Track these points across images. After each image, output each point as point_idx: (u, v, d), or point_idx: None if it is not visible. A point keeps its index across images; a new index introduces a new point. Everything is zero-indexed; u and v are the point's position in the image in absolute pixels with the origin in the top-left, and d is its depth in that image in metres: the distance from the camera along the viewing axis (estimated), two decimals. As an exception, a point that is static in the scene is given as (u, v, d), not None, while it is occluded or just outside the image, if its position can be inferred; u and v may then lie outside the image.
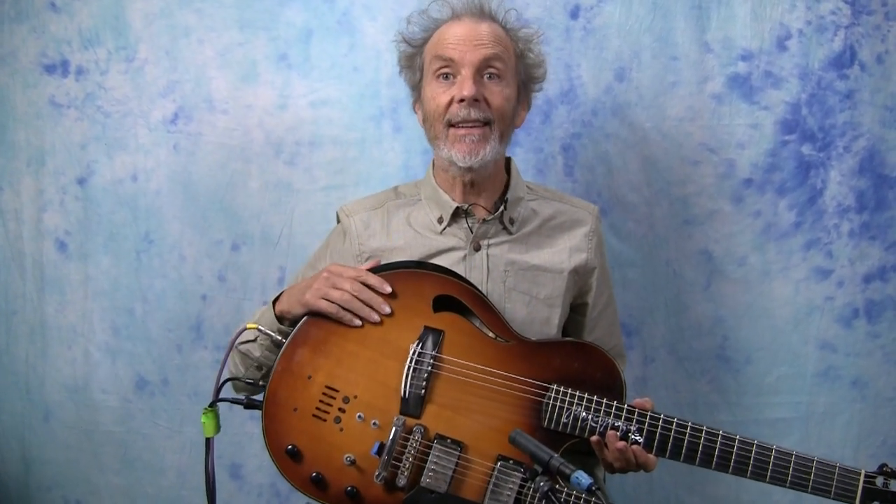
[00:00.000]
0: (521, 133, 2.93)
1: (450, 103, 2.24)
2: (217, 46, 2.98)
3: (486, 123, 2.25)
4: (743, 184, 2.93)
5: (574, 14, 2.92)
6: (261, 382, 2.18)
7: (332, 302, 2.13)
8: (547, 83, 2.88)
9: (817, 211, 2.93)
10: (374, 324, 2.13)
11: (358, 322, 2.13)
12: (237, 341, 2.24)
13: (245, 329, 2.19)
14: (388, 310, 2.14)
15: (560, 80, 2.94)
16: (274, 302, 2.26)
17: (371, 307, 2.13)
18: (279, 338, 2.17)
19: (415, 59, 2.37)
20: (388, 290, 2.14)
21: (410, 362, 2.12)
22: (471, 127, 2.24)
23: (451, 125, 2.26)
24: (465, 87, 2.21)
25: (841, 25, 2.88)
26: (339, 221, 2.49)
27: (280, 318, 2.22)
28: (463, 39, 2.25)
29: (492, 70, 2.26)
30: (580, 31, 2.92)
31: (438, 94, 2.27)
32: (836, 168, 2.92)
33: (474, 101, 2.22)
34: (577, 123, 2.95)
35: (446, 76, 2.27)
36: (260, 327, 2.19)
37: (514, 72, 2.32)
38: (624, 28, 2.91)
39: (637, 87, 2.93)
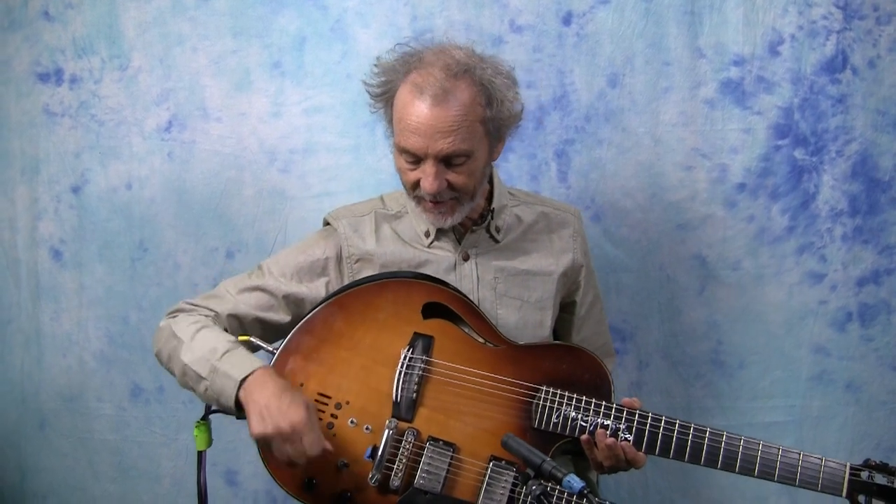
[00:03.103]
0: (514, 139, 2.90)
1: (417, 182, 2.20)
2: (211, 54, 2.99)
3: (454, 198, 2.22)
4: (736, 188, 2.94)
5: (567, 20, 2.92)
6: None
7: (270, 448, 2.02)
8: (540, 89, 2.93)
9: (810, 215, 2.94)
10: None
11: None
12: (186, 353, 2.15)
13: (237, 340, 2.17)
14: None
15: (553, 86, 2.94)
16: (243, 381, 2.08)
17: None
18: (270, 349, 2.18)
19: (383, 108, 2.28)
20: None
21: (401, 367, 2.13)
22: (438, 203, 2.22)
23: (420, 199, 2.24)
24: (427, 184, 2.15)
25: (833, 30, 2.89)
26: (325, 226, 2.45)
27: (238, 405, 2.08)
28: (423, 129, 2.12)
29: (455, 160, 2.16)
30: (573, 38, 2.93)
31: (405, 171, 2.22)
32: (829, 172, 2.93)
33: (439, 191, 2.18)
34: (570, 129, 2.96)
35: (411, 158, 2.19)
36: (253, 338, 2.19)
37: (482, 139, 2.20)
38: (616, 34, 2.92)
39: (630, 93, 2.94)
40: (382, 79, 2.23)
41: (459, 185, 2.19)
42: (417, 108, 2.13)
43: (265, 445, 2.03)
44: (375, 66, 2.26)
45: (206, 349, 2.12)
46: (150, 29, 2.98)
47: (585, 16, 2.92)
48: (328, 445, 2.02)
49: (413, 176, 2.20)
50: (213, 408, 2.16)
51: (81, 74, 3.01)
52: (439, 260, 2.34)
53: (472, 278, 2.33)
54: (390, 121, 2.26)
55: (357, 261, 2.34)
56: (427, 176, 2.16)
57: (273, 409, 1.99)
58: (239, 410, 2.07)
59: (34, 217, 3.05)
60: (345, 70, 2.97)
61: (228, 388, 2.06)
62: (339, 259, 2.36)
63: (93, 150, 3.02)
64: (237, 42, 2.98)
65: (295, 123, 3.00)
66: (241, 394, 2.04)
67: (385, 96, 2.24)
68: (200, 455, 2.12)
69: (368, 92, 2.28)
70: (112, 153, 3.02)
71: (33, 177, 3.04)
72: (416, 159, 2.17)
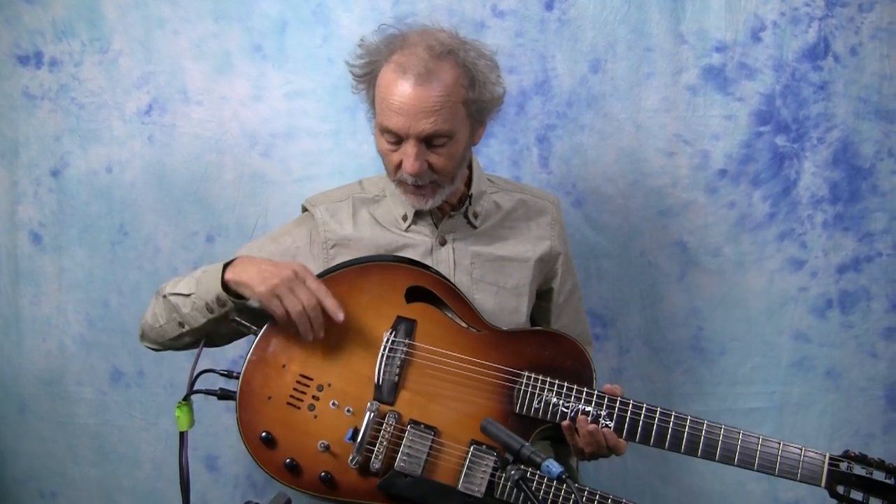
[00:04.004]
0: (495, 125, 2.89)
1: (399, 165, 2.20)
2: (192, 38, 2.97)
3: (434, 181, 2.23)
4: (717, 175, 2.94)
5: (549, 5, 2.92)
6: (235, 374, 2.17)
7: (283, 305, 2.07)
8: (522, 74, 2.92)
9: (791, 202, 2.94)
10: (310, 341, 2.11)
11: (293, 331, 2.11)
12: (167, 290, 2.22)
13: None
14: (322, 335, 2.10)
15: (535, 71, 2.94)
16: (226, 265, 2.16)
17: (312, 328, 2.09)
18: (254, 329, 2.17)
19: (365, 91, 2.27)
20: (341, 317, 2.09)
21: (384, 350, 2.13)
22: (420, 186, 2.23)
23: (402, 182, 2.24)
24: (409, 164, 2.16)
25: (815, 17, 2.89)
26: (303, 212, 2.47)
27: (225, 284, 2.12)
28: (406, 109, 2.13)
29: (436, 141, 2.17)
30: (555, 23, 2.92)
31: (387, 151, 2.22)
32: (810, 159, 2.93)
33: (420, 173, 2.19)
34: (551, 115, 2.95)
35: (393, 139, 2.20)
36: (237, 318, 2.18)
37: (463, 121, 2.21)
38: (599, 19, 2.92)
39: (612, 79, 2.94)
40: (366, 59, 2.23)
41: (440, 167, 2.19)
42: (400, 88, 2.13)
43: (273, 321, 2.10)
44: (359, 46, 2.26)
45: (186, 278, 2.20)
46: (130, 12, 2.97)
47: (568, 1, 2.91)
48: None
49: (395, 157, 2.20)
50: (196, 378, 2.12)
51: (61, 57, 2.99)
52: (416, 244, 2.34)
53: (448, 263, 2.33)
54: (372, 102, 2.25)
55: (333, 246, 2.34)
56: (408, 157, 2.16)
57: (270, 266, 2.10)
58: (232, 297, 2.11)
59: (13, 201, 3.04)
60: (326, 54, 2.96)
61: (214, 277, 2.12)
62: (310, 246, 2.36)
63: (73, 133, 3.01)
64: (218, 25, 2.97)
65: (276, 107, 2.99)
66: (229, 274, 2.11)
67: (368, 77, 2.24)
68: (182, 435, 2.11)
69: (351, 73, 2.28)
70: (92, 136, 3.01)
71: (13, 160, 3.03)
72: (398, 140, 2.18)
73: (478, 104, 2.22)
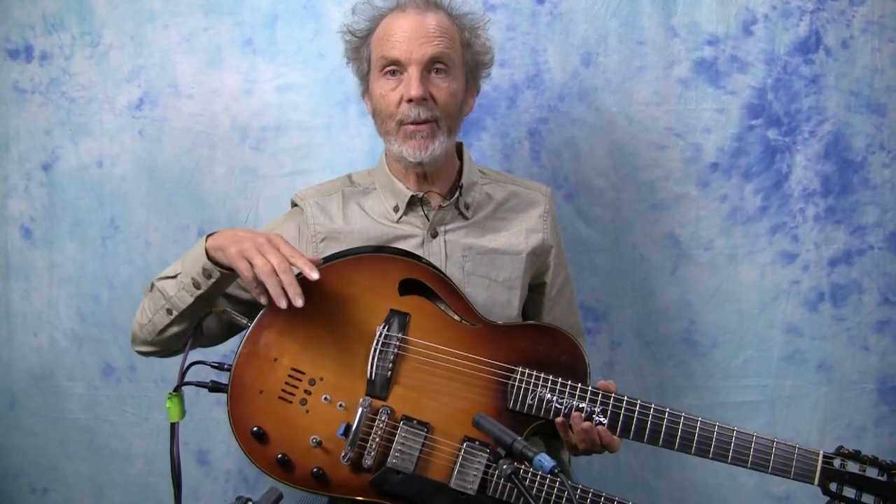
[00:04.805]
0: (487, 118, 2.93)
1: (399, 102, 2.24)
2: (182, 31, 2.97)
3: (434, 120, 2.26)
4: (709, 168, 2.94)
5: (540, -1, 2.92)
6: (226, 366, 2.17)
7: (252, 267, 2.00)
8: (513, 68, 2.91)
9: (783, 195, 2.95)
10: (281, 309, 2.00)
11: (263, 300, 2.05)
12: (156, 278, 2.23)
13: (210, 313, 2.19)
14: (300, 303, 1.98)
15: (526, 64, 2.94)
16: (209, 237, 2.15)
17: (284, 291, 1.98)
18: (245, 321, 2.16)
19: (361, 51, 2.36)
20: (316, 276, 1.99)
21: (377, 344, 2.12)
22: (420, 125, 2.25)
23: (401, 123, 2.26)
24: (413, 88, 2.21)
25: (806, 10, 2.89)
26: (293, 207, 2.47)
27: (208, 254, 2.11)
28: (408, 36, 2.23)
29: (438, 66, 2.25)
30: (546, 16, 2.92)
31: (387, 92, 2.26)
32: (802, 152, 2.94)
33: (422, 99, 2.22)
34: (543, 108, 2.95)
35: (393, 72, 2.26)
36: (227, 309, 2.19)
37: (460, 62, 2.31)
38: (590, 12, 2.91)
39: (604, 72, 2.94)
40: (364, 18, 2.34)
41: (441, 101, 2.25)
42: (401, 20, 2.26)
43: (247, 284, 2.06)
44: (354, 12, 2.36)
45: (172, 264, 2.22)
46: (121, 5, 2.96)
47: (559, -6, 2.92)
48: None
49: (395, 95, 2.26)
50: (187, 369, 2.12)
51: (52, 51, 2.98)
52: (407, 236, 2.34)
53: (440, 255, 2.33)
54: (367, 61, 2.34)
55: (323, 239, 2.34)
56: (411, 79, 2.23)
57: (245, 232, 2.09)
58: (218, 268, 2.11)
59: (4, 195, 3.03)
60: (317, 48, 2.95)
61: (198, 248, 2.13)
62: (299, 240, 2.37)
63: (63, 127, 3.00)
64: (209, 19, 2.96)
65: (267, 101, 2.98)
66: (210, 242, 2.11)
67: (366, 35, 2.33)
68: (173, 427, 2.11)
69: (350, 32, 2.37)
70: (83, 130, 3.00)
71: (3, 154, 3.01)
72: (399, 73, 2.25)
73: (471, 50, 2.34)
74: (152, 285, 2.24)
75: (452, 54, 2.27)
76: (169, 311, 2.19)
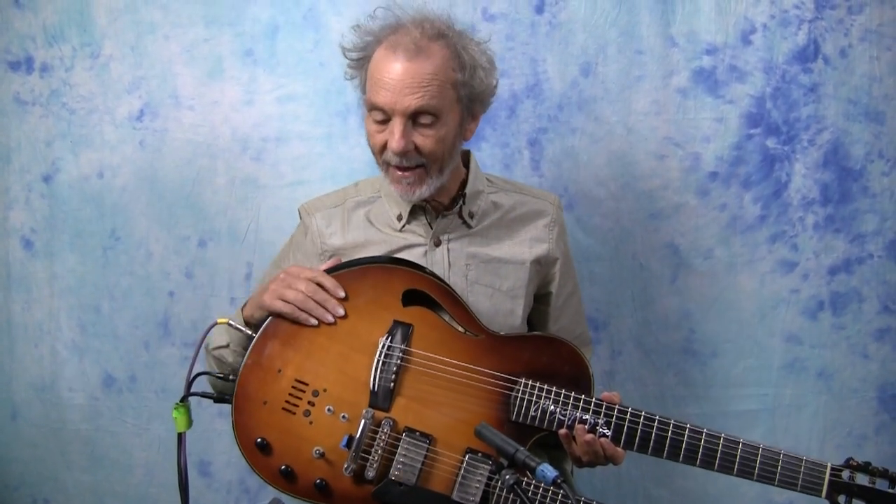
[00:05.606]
0: (487, 128, 2.93)
1: (385, 146, 2.20)
2: (183, 42, 2.97)
3: (422, 165, 2.22)
4: (708, 177, 2.94)
5: (539, 9, 2.92)
6: (231, 377, 2.17)
7: (288, 302, 2.13)
8: (513, 78, 2.92)
9: (782, 204, 2.95)
10: (329, 324, 2.13)
11: (314, 321, 2.13)
12: (210, 345, 2.27)
13: (216, 324, 2.19)
14: (341, 312, 2.14)
15: (526, 74, 2.94)
16: (242, 309, 2.27)
17: (325, 308, 2.13)
18: (249, 332, 2.16)
19: (359, 73, 2.29)
20: (342, 294, 2.15)
21: (379, 356, 2.11)
22: (405, 170, 2.22)
23: (388, 164, 2.24)
24: (394, 141, 2.16)
25: (805, 19, 2.90)
26: (301, 219, 2.48)
27: (247, 324, 2.22)
28: (394, 85, 2.14)
29: (423, 118, 2.17)
30: (545, 26, 2.93)
31: (374, 133, 2.23)
32: (801, 161, 2.94)
33: (404, 152, 2.18)
34: (542, 118, 2.96)
35: (380, 118, 2.20)
36: (231, 322, 2.19)
37: (452, 105, 2.21)
38: (589, 22, 2.92)
39: (603, 82, 2.94)
40: (361, 42, 2.25)
41: (426, 150, 2.19)
42: (390, 65, 2.15)
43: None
44: (354, 30, 2.28)
45: (218, 333, 2.29)
46: (121, 16, 2.96)
47: (558, 4, 2.92)
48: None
49: (381, 138, 2.21)
50: (191, 389, 2.14)
51: (52, 62, 2.99)
52: (411, 245, 2.34)
53: (443, 264, 2.33)
54: (364, 85, 2.27)
55: (330, 257, 2.35)
56: (394, 133, 2.16)
57: (267, 283, 2.22)
58: (254, 328, 2.19)
59: (5, 206, 3.03)
60: (317, 58, 2.96)
61: (239, 322, 2.23)
62: (310, 254, 2.41)
63: (64, 138, 3.00)
64: (209, 30, 2.97)
65: (268, 112, 2.98)
66: (247, 312, 2.24)
67: (362, 60, 2.25)
68: (180, 437, 2.11)
69: (347, 56, 2.30)
70: (83, 142, 3.00)
71: (4, 166, 3.02)
72: (385, 119, 2.19)
73: (468, 88, 2.22)
74: (210, 350, 2.31)
75: (440, 103, 2.17)
76: (235, 372, 2.20)
